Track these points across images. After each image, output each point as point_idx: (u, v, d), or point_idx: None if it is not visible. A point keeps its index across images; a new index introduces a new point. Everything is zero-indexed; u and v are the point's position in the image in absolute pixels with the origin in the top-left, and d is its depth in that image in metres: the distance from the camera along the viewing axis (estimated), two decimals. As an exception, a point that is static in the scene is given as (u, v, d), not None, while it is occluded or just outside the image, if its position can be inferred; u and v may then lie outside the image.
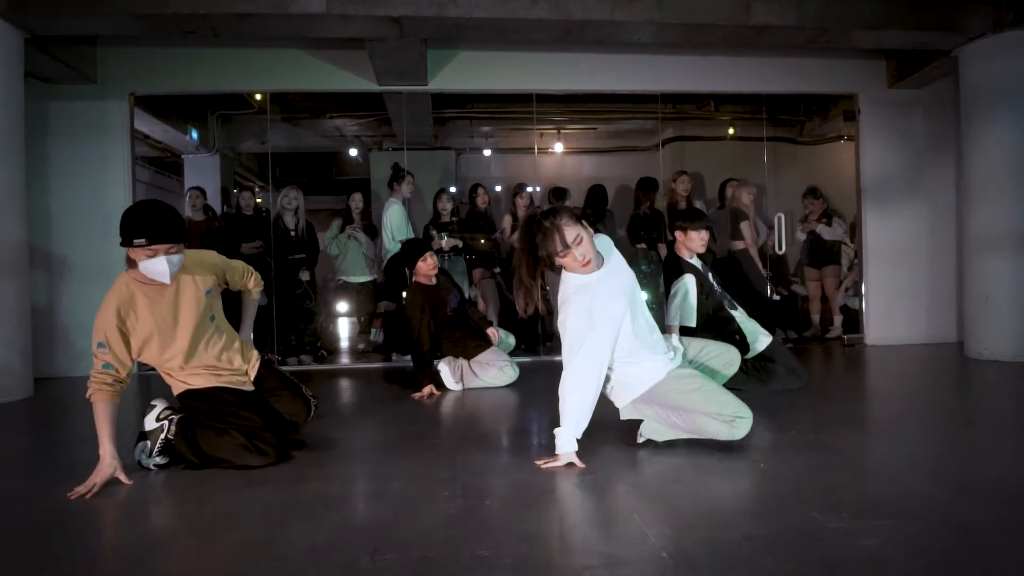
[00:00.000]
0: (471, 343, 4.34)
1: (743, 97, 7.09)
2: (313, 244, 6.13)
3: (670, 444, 2.67)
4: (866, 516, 1.87)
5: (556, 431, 2.44)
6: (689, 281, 3.87)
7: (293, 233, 5.92)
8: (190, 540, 1.88)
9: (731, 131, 7.74)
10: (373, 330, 6.72)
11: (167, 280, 2.43)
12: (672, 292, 3.89)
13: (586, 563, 1.63)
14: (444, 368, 4.28)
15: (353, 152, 8.55)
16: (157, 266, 2.38)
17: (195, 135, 7.30)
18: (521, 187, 6.33)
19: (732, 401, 2.55)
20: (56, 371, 5.24)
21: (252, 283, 2.93)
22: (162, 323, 2.50)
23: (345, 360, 6.17)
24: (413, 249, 4.37)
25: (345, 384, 4.72)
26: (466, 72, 5.74)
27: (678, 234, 3.99)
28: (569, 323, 2.40)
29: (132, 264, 2.45)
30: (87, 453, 2.84)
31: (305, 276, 5.94)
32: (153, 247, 2.35)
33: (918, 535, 1.75)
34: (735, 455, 2.53)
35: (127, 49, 5.44)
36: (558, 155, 8.27)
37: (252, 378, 2.75)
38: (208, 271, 2.67)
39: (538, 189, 7.09)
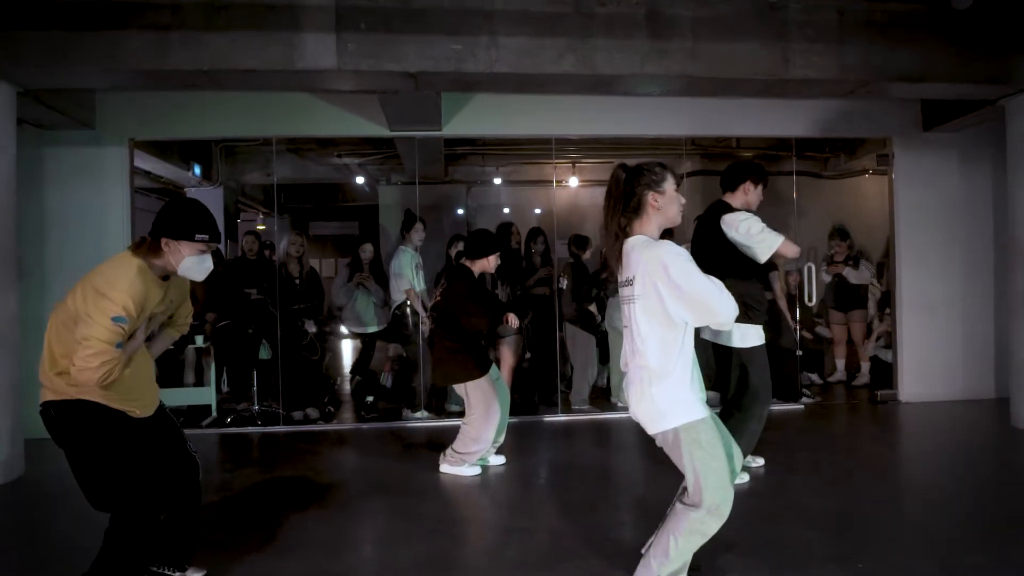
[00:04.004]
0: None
1: (769, 135, 6.81)
2: (318, 292, 5.87)
3: None
4: None
5: None
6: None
7: (297, 281, 5.67)
8: None
9: (755, 166, 7.44)
10: (383, 374, 6.48)
11: (201, 278, 2.39)
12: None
13: None
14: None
15: (360, 180, 8.27)
16: (204, 263, 2.35)
17: (197, 170, 7.03)
18: (536, 232, 6.05)
19: (727, 482, 2.25)
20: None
21: (186, 326, 2.71)
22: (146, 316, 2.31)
23: (350, 416, 5.87)
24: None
25: (349, 454, 4.56)
26: (482, 116, 5.48)
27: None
28: (695, 274, 2.19)
29: (152, 252, 2.28)
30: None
31: (311, 328, 5.68)
32: (210, 245, 2.32)
33: None
34: None
35: (127, 95, 5.17)
36: (573, 188, 7.97)
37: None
38: (182, 292, 2.55)
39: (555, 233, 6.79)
